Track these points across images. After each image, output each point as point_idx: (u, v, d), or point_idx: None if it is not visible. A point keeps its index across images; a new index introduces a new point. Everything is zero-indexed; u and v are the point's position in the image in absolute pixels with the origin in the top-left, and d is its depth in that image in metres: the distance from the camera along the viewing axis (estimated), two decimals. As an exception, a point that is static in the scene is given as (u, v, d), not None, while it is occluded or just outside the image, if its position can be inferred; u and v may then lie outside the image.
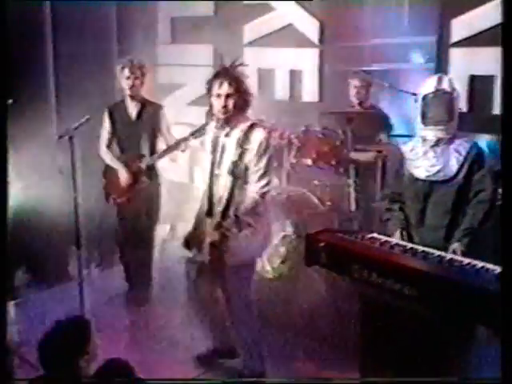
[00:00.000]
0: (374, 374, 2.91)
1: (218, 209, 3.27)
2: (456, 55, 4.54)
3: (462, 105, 4.05)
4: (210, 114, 3.31)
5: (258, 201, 3.23)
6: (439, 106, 3.06)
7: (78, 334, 2.46)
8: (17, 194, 4.13)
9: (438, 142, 3.10)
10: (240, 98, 3.20)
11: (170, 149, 4.34)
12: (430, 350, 2.70)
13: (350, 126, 4.15)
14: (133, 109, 4.41)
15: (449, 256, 2.85)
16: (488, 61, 4.34)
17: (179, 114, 5.74)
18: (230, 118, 3.22)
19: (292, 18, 5.36)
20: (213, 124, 3.37)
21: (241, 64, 3.29)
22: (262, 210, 3.33)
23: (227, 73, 3.20)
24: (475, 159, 3.08)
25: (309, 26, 5.28)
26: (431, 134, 3.10)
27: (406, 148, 3.23)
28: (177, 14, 6.06)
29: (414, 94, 4.23)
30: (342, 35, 5.06)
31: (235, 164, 3.19)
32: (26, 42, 5.08)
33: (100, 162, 4.56)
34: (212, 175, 3.31)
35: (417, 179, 3.16)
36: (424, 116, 3.11)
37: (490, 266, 2.68)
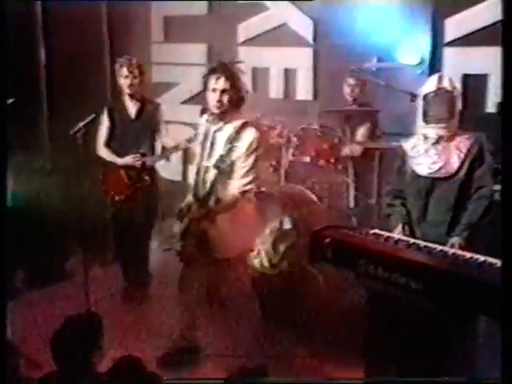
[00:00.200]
0: (379, 368, 2.95)
1: (203, 202, 3.37)
2: (449, 54, 4.64)
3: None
4: (202, 108, 3.42)
5: (238, 198, 3.31)
6: (440, 105, 3.14)
7: (91, 329, 2.49)
8: (16, 193, 4.13)
9: (439, 140, 3.18)
10: (235, 94, 3.28)
11: (169, 150, 4.39)
12: (434, 344, 2.75)
13: (348, 123, 4.21)
14: (132, 107, 4.43)
15: (452, 251, 2.92)
16: (481, 60, 4.45)
17: (173, 113, 5.76)
18: (223, 113, 3.29)
19: (286, 18, 5.41)
20: (205, 117, 3.44)
21: (239, 61, 3.40)
22: (249, 207, 3.42)
23: (225, 68, 3.28)
24: (476, 156, 3.16)
25: (303, 25, 5.34)
26: (433, 131, 3.18)
27: (408, 146, 3.30)
28: (170, 13, 6.07)
29: (410, 93, 4.35)
30: (335, 34, 5.12)
31: (222, 159, 3.27)
32: (17, 41, 5.06)
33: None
34: (200, 166, 3.40)
35: (419, 176, 3.24)
36: (425, 114, 3.19)
37: (491, 259, 2.76)
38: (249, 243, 3.60)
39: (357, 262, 2.88)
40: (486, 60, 4.41)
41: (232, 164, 3.27)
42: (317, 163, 4.19)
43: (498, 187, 3.30)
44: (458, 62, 4.58)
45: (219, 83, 3.23)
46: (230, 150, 3.26)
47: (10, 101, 3.51)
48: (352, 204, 4.31)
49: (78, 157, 3.87)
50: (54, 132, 6.12)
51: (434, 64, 4.67)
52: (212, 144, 3.36)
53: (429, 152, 3.20)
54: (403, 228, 3.28)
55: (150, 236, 4.68)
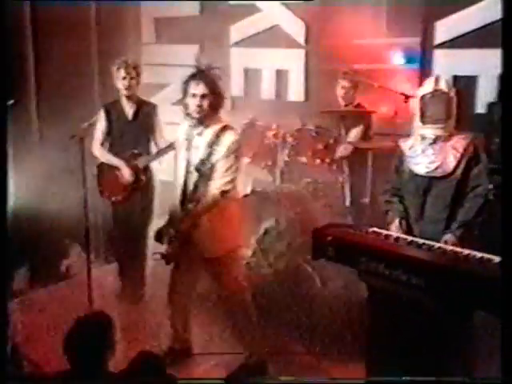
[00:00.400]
0: (380, 365, 3.00)
1: (190, 205, 3.43)
2: (440, 56, 4.72)
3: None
4: (184, 113, 3.47)
5: (218, 198, 3.38)
6: (437, 106, 3.23)
7: (103, 328, 2.51)
8: (16, 192, 4.13)
9: (436, 140, 3.27)
10: (214, 99, 3.38)
11: (163, 151, 4.43)
12: (435, 340, 2.81)
13: (343, 124, 4.29)
14: (129, 109, 4.46)
15: (450, 247, 3.00)
16: (470, 62, 4.55)
17: (164, 114, 5.78)
18: (203, 118, 3.39)
19: (278, 19, 5.46)
20: (186, 123, 3.52)
21: (216, 67, 3.49)
22: (233, 204, 3.50)
23: (203, 74, 3.39)
24: (472, 155, 3.25)
25: (295, 27, 5.40)
26: (430, 132, 3.27)
27: (406, 145, 3.39)
28: (161, 14, 6.08)
29: (402, 94, 4.45)
30: (327, 36, 5.19)
31: (202, 162, 3.37)
32: (5, 42, 5.05)
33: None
34: (187, 171, 3.47)
35: (416, 175, 3.32)
36: (423, 115, 3.27)
37: (488, 256, 2.84)
38: (236, 240, 3.64)
39: (358, 259, 2.95)
40: (476, 62, 4.52)
41: (212, 166, 3.37)
42: (312, 163, 4.25)
43: (491, 186, 3.42)
44: (448, 64, 4.67)
45: (199, 88, 3.35)
46: (209, 154, 3.37)
47: (10, 102, 3.51)
48: (348, 203, 4.38)
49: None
50: (44, 132, 6.14)
51: (425, 65, 4.76)
52: (194, 148, 3.46)
53: (426, 152, 3.29)
54: (400, 223, 3.36)
55: (146, 236, 4.69)
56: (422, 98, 3.28)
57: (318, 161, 4.23)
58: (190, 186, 3.44)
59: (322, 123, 4.47)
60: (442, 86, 3.26)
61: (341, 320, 3.95)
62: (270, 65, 5.58)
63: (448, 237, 3.24)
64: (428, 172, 3.29)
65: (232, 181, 3.41)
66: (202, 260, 3.56)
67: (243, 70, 5.66)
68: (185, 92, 3.42)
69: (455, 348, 2.82)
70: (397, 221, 3.39)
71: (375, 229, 3.24)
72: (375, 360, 3.03)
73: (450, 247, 3.01)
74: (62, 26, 5.92)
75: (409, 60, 4.83)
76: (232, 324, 3.76)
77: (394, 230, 3.36)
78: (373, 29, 4.92)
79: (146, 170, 4.52)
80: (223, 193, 3.39)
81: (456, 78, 4.65)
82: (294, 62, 5.46)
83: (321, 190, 4.49)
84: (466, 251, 2.91)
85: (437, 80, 3.29)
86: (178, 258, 3.51)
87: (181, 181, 3.51)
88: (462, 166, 3.24)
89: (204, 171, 3.37)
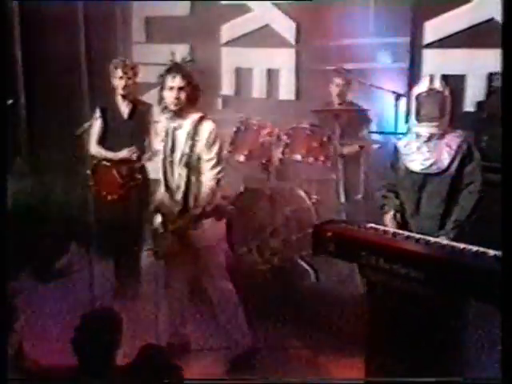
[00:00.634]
0: (380, 357, 3.08)
1: (177, 197, 3.53)
2: (429, 56, 4.81)
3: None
4: (161, 107, 3.56)
5: (214, 187, 3.48)
6: (432, 104, 3.33)
7: (112, 324, 2.55)
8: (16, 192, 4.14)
9: (430, 138, 3.37)
10: (191, 91, 3.47)
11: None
12: (434, 333, 2.89)
13: (337, 122, 4.38)
14: (125, 108, 4.48)
15: (445, 241, 3.10)
16: (459, 61, 4.66)
17: (154, 113, 5.82)
18: (181, 110, 3.48)
19: (269, 19, 5.54)
20: (164, 116, 3.60)
21: (191, 60, 3.58)
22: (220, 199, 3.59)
23: (179, 67, 3.48)
24: (465, 153, 3.36)
25: (285, 27, 5.48)
26: (424, 130, 3.36)
27: (401, 143, 3.49)
28: (152, 14, 6.11)
29: (394, 92, 4.54)
30: (317, 36, 5.28)
31: (189, 156, 3.45)
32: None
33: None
34: (165, 163, 3.57)
35: (412, 172, 3.42)
36: (418, 113, 3.37)
37: (483, 249, 2.94)
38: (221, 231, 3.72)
39: (359, 254, 3.02)
40: (464, 61, 4.64)
41: (199, 158, 3.47)
42: (307, 161, 4.33)
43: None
44: (437, 63, 4.77)
45: (175, 81, 3.43)
46: (192, 146, 3.46)
47: (10, 101, 3.53)
48: (343, 199, 4.47)
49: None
50: (33, 132, 6.12)
51: (414, 65, 4.86)
52: (173, 141, 3.54)
53: (421, 149, 3.39)
54: (394, 216, 3.45)
55: (141, 234, 4.73)
56: (417, 96, 3.37)
57: (311, 158, 4.30)
58: (176, 180, 3.52)
59: (315, 122, 4.54)
60: (437, 85, 3.36)
61: (336, 314, 4.04)
62: (260, 64, 5.66)
63: (442, 238, 3.32)
64: (423, 169, 3.38)
65: (222, 170, 3.52)
66: (190, 251, 3.62)
67: (234, 69, 5.73)
68: (161, 86, 3.50)
69: (454, 341, 2.91)
70: (391, 213, 3.48)
71: (373, 225, 3.33)
72: (375, 352, 3.10)
73: (445, 241, 3.10)
74: (50, 25, 5.93)
75: (398, 60, 4.93)
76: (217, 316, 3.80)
77: (389, 223, 3.45)
78: (362, 28, 5.02)
79: (142, 168, 4.54)
80: (218, 181, 3.49)
81: (445, 77, 4.76)
82: (284, 61, 5.55)
83: (315, 188, 4.57)
84: (462, 245, 3.01)
85: (431, 79, 3.39)
86: (169, 253, 3.59)
87: (161, 174, 3.61)
88: (456, 163, 3.34)
89: (193, 164, 3.46)
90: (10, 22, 5.63)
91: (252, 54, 5.64)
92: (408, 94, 4.36)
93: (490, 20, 4.45)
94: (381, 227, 3.29)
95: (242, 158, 4.48)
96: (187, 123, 3.50)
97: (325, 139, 4.34)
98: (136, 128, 4.49)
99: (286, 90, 5.57)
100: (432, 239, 3.08)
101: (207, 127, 3.48)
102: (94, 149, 4.51)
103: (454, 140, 3.37)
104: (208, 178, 3.48)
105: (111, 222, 4.63)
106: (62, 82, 6.01)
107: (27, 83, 5.95)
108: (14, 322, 2.70)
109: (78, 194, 4.17)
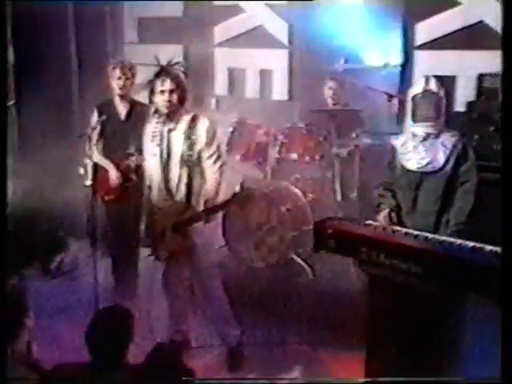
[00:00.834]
0: (380, 352, 3.15)
1: (178, 197, 3.59)
2: (420, 57, 4.93)
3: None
4: (152, 111, 3.63)
5: (219, 179, 3.58)
6: (427, 105, 3.43)
7: (125, 321, 2.60)
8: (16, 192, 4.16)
9: (426, 137, 3.46)
10: (181, 93, 3.55)
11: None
12: (434, 329, 2.98)
13: (333, 122, 4.46)
14: (122, 109, 4.51)
15: (442, 238, 3.19)
16: (450, 63, 4.78)
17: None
18: (174, 112, 3.55)
19: (262, 20, 5.59)
20: (155, 119, 3.65)
21: (177, 62, 3.64)
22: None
23: (167, 71, 3.55)
24: (460, 152, 3.46)
25: (278, 28, 5.54)
26: (420, 130, 3.46)
27: (398, 142, 3.58)
28: (144, 15, 6.13)
29: (386, 93, 4.64)
30: (310, 36, 5.34)
31: (189, 156, 3.52)
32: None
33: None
34: (162, 165, 3.61)
35: (409, 170, 3.51)
36: (414, 114, 3.47)
37: (479, 245, 3.03)
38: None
39: (359, 249, 3.10)
40: (455, 62, 4.75)
41: (199, 157, 3.54)
42: (303, 160, 4.41)
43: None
44: (429, 64, 4.87)
45: (165, 85, 3.50)
46: (191, 145, 3.52)
47: (11, 102, 3.55)
48: (339, 198, 4.55)
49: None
50: (24, 131, 6.13)
51: (406, 66, 4.96)
52: (168, 143, 3.59)
53: (417, 148, 3.48)
54: (389, 214, 3.52)
55: (138, 234, 4.75)
56: (413, 97, 3.47)
57: (308, 158, 4.38)
58: (175, 180, 3.56)
59: (312, 121, 4.62)
60: (432, 86, 3.46)
61: (332, 310, 4.12)
62: (253, 65, 5.71)
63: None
64: (419, 167, 3.48)
65: (224, 164, 3.63)
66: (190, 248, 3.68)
67: (227, 69, 5.78)
68: (151, 91, 3.57)
69: (452, 333, 3.01)
70: (386, 211, 3.55)
71: (371, 222, 3.42)
72: (375, 347, 3.17)
73: (442, 238, 3.19)
74: (41, 25, 5.95)
75: (390, 61, 5.02)
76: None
77: (383, 221, 3.51)
78: (354, 30, 5.09)
79: (138, 169, 4.57)
80: (221, 174, 3.59)
81: (436, 78, 4.86)
82: (277, 61, 5.61)
83: (310, 186, 4.65)
84: (459, 241, 3.10)
85: (427, 80, 3.49)
86: (169, 252, 3.68)
87: (158, 176, 3.65)
88: (452, 162, 3.44)
89: (193, 163, 3.53)
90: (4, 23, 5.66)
91: (245, 55, 5.69)
92: (400, 95, 4.49)
93: (480, 22, 4.58)
94: (379, 224, 3.38)
95: (238, 158, 4.54)
96: (182, 124, 3.56)
97: (321, 139, 4.42)
98: (133, 129, 4.50)
99: (279, 90, 5.63)
100: (430, 235, 3.18)
101: (203, 125, 3.55)
102: (92, 151, 4.52)
103: (449, 140, 3.47)
104: (212, 171, 3.57)
105: (108, 222, 4.68)
106: (54, 82, 6.04)
107: (17, 84, 5.97)
108: (23, 319, 2.73)
109: (73, 194, 4.16)
